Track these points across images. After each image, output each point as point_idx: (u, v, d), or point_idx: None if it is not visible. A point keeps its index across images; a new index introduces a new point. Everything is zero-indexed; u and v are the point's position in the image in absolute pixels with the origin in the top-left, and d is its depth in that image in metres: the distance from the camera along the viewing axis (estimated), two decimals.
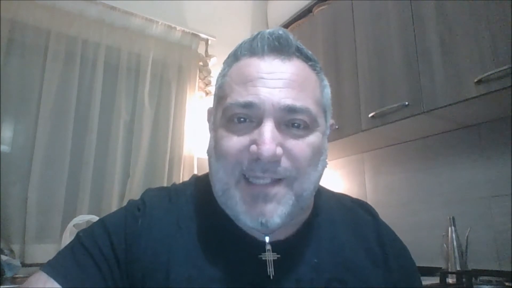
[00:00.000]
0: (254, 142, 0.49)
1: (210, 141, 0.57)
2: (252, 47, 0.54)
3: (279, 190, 0.50)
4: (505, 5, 1.23)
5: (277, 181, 0.50)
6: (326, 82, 0.59)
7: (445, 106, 1.38)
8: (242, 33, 2.55)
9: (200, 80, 2.29)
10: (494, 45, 1.25)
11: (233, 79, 0.54)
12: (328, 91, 0.58)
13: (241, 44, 0.56)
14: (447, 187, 1.66)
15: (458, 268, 1.42)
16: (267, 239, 0.54)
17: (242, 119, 0.51)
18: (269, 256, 0.53)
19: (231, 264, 0.52)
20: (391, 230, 0.65)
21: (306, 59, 0.55)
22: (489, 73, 1.24)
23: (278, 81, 0.51)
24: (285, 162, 0.49)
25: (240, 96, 0.51)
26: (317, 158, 0.53)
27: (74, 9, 1.93)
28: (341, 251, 0.57)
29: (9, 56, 1.76)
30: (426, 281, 1.39)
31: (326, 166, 0.56)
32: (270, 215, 0.49)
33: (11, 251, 1.59)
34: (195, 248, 0.53)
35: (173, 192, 0.61)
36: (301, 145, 0.51)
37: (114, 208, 1.80)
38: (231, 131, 0.51)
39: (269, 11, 2.66)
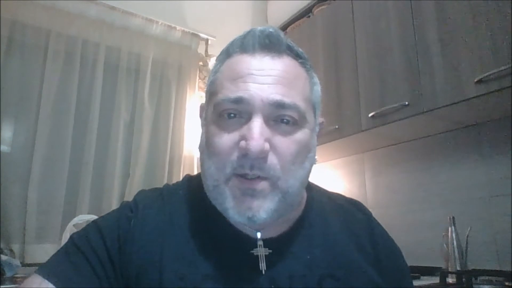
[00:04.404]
0: (243, 137, 0.49)
1: (201, 137, 0.57)
2: (243, 44, 0.55)
3: (265, 186, 0.50)
4: (505, 5, 1.23)
5: (263, 178, 0.50)
6: (316, 80, 0.59)
7: (445, 106, 1.38)
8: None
9: (200, 80, 2.30)
10: (494, 45, 1.25)
11: (224, 76, 0.54)
12: (318, 88, 0.59)
13: (233, 41, 0.57)
14: (447, 187, 1.66)
15: (458, 268, 1.42)
16: (258, 235, 0.54)
17: (232, 115, 0.52)
18: (261, 251, 0.54)
19: (223, 261, 0.53)
20: (384, 230, 0.65)
21: (297, 56, 0.56)
22: (489, 73, 1.24)
23: (267, 77, 0.51)
24: (271, 159, 0.50)
25: (230, 92, 0.52)
26: (304, 155, 0.53)
27: (74, 9, 1.93)
28: (333, 247, 0.57)
29: (9, 56, 1.76)
30: (426, 281, 1.39)
31: (314, 163, 0.56)
32: (257, 209, 0.49)
33: (11, 251, 1.59)
34: (187, 246, 0.54)
35: (166, 192, 0.61)
36: (288, 142, 0.51)
37: (114, 208, 1.80)
38: (222, 127, 0.52)
39: (269, 11, 2.66)
